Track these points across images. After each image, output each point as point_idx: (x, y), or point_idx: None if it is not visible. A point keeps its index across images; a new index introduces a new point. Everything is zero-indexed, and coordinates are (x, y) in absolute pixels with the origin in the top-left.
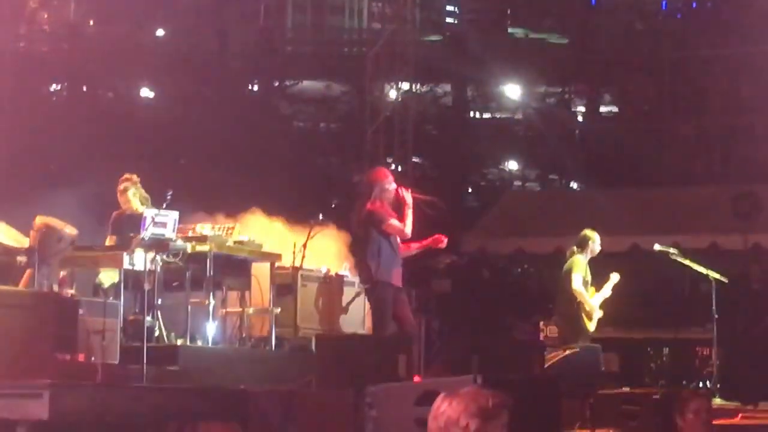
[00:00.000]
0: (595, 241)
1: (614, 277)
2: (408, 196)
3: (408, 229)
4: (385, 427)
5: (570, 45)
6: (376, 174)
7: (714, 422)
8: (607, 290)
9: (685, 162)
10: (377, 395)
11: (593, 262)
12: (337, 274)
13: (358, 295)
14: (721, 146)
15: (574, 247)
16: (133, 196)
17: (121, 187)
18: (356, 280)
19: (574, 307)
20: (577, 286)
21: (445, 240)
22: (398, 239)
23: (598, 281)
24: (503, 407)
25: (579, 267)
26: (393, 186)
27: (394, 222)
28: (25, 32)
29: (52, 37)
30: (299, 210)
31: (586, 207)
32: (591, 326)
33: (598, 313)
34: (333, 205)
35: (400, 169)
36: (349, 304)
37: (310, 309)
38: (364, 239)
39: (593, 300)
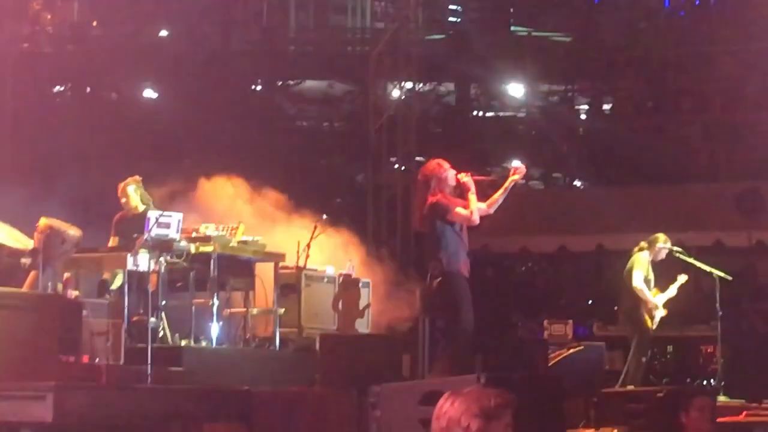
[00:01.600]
0: (665, 242)
1: (681, 278)
2: (469, 180)
3: (475, 215)
4: (388, 427)
5: (573, 43)
6: (430, 167)
7: (718, 420)
8: (672, 290)
9: (689, 159)
10: (381, 395)
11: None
12: (344, 275)
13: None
14: (725, 143)
15: (643, 243)
16: (135, 195)
17: (123, 187)
18: (360, 279)
19: (635, 304)
20: (637, 283)
21: (523, 167)
22: (464, 227)
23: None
24: (506, 407)
25: (640, 264)
26: (451, 174)
27: (460, 210)
28: (28, 33)
29: (56, 38)
30: (303, 209)
31: (590, 205)
32: (653, 324)
33: (660, 312)
34: (336, 204)
35: (403, 168)
36: (366, 308)
37: (315, 309)
38: (430, 234)
39: (656, 299)
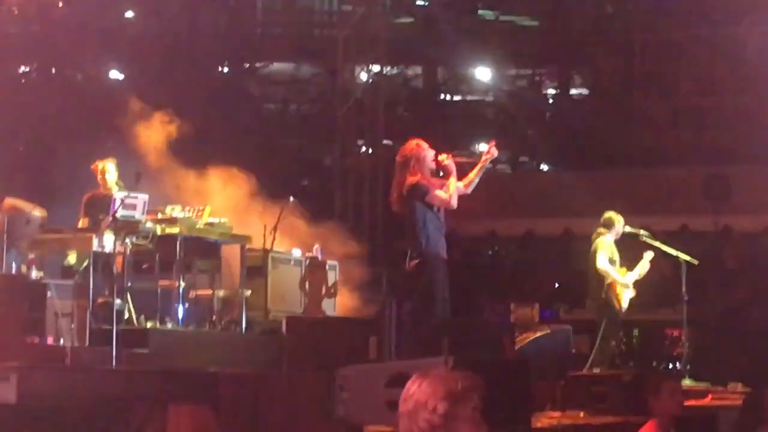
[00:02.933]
0: (620, 222)
1: (647, 255)
2: (450, 162)
3: (454, 199)
4: (356, 409)
5: (540, 27)
6: (409, 147)
7: (685, 403)
8: (640, 269)
9: (656, 144)
10: (348, 377)
11: (629, 242)
12: (311, 257)
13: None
14: (692, 128)
15: (600, 228)
16: (114, 174)
17: (102, 165)
18: (327, 262)
19: (603, 288)
20: (602, 265)
21: (495, 149)
22: (442, 209)
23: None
24: (473, 390)
25: (604, 246)
26: (431, 154)
27: (440, 193)
28: None
29: (21, 18)
30: (270, 191)
31: (557, 189)
32: (622, 306)
33: (629, 292)
34: (303, 187)
35: (371, 151)
36: (333, 288)
37: (281, 291)
38: (409, 215)
39: (625, 278)
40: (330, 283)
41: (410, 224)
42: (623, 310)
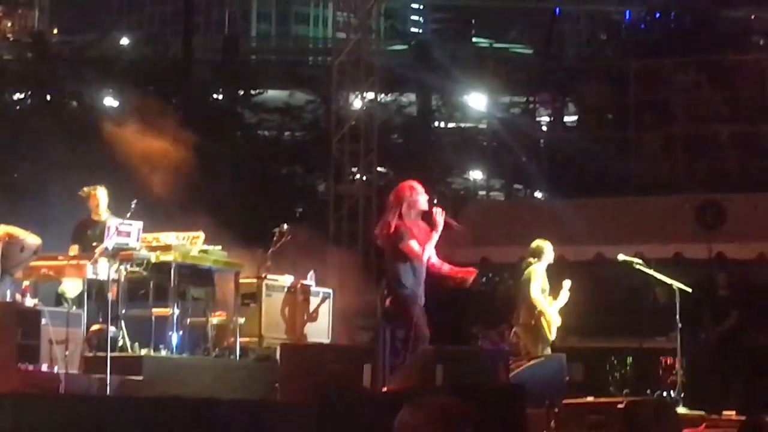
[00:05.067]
0: (549, 249)
1: (566, 284)
2: (440, 219)
3: (425, 255)
4: None
5: (534, 55)
6: (403, 188)
7: None
8: (563, 297)
9: (650, 171)
10: (342, 405)
11: (551, 271)
12: (302, 284)
13: (323, 301)
14: (685, 156)
15: (530, 258)
16: (105, 199)
17: (94, 191)
18: (321, 290)
19: (534, 316)
20: (535, 295)
21: (473, 276)
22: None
23: (555, 290)
24: (466, 418)
25: (536, 276)
26: (423, 199)
27: (413, 244)
28: None
29: (16, 45)
30: (264, 219)
31: (551, 216)
32: (551, 335)
33: (557, 321)
34: (298, 214)
35: (365, 178)
36: (315, 311)
37: (275, 319)
38: (393, 254)
39: (551, 308)
40: (312, 308)
41: (388, 264)
42: (551, 337)
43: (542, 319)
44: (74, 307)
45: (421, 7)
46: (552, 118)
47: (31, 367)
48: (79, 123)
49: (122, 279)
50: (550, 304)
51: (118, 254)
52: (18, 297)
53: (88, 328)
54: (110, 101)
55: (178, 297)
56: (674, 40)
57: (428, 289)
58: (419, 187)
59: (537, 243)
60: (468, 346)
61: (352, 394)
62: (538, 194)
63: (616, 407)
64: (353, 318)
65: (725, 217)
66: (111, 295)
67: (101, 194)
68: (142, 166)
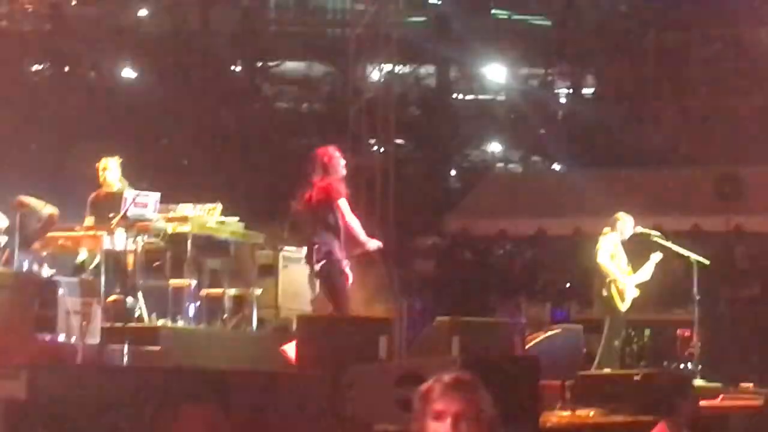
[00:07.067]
0: (625, 222)
1: (655, 257)
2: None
3: (355, 224)
4: (364, 408)
5: (553, 27)
6: (328, 151)
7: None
8: (647, 270)
9: (668, 144)
10: (357, 376)
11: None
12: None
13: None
14: (704, 128)
15: (605, 228)
16: (117, 170)
17: (105, 162)
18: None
19: (604, 285)
20: (601, 260)
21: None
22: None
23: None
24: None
25: (606, 244)
26: (342, 162)
27: (346, 203)
28: (6, 11)
29: (34, 16)
30: (281, 191)
31: (568, 189)
32: (624, 305)
33: (632, 292)
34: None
35: (383, 150)
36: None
37: (292, 290)
38: (323, 215)
39: (628, 278)
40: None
41: (320, 226)
42: (623, 309)
43: (613, 287)
44: (91, 278)
45: None
46: (570, 90)
47: (48, 338)
48: (97, 94)
49: (139, 250)
50: (628, 275)
51: (134, 225)
52: (35, 267)
53: (105, 298)
54: (128, 72)
55: (195, 268)
56: (694, 12)
57: (446, 263)
58: (338, 152)
59: (616, 214)
60: (484, 318)
61: (368, 366)
62: (556, 167)
63: (632, 379)
64: (371, 290)
65: (743, 190)
66: (128, 266)
67: (111, 165)
68: None
